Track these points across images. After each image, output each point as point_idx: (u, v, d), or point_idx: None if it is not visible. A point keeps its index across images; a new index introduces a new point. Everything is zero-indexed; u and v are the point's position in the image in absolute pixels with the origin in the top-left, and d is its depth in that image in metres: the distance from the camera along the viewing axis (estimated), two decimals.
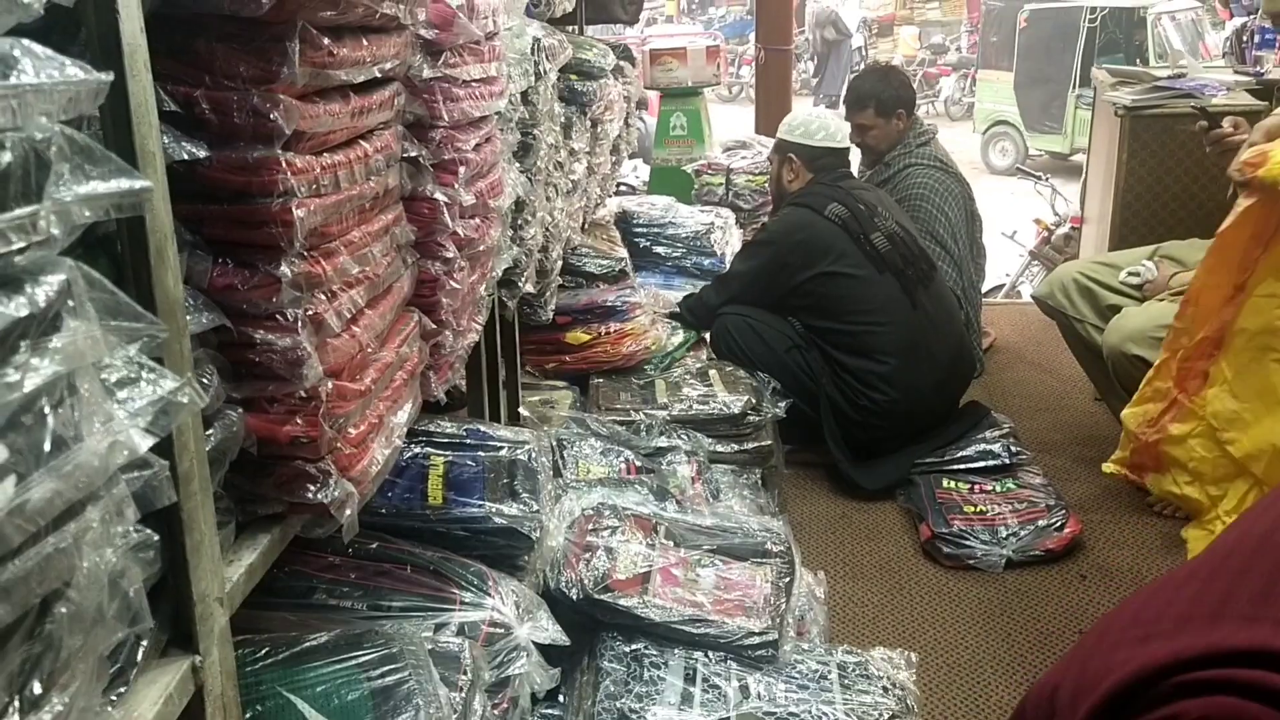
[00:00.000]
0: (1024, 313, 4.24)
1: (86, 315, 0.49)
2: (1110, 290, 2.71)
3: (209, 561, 0.81)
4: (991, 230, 4.51)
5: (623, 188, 4.82)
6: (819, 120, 3.25)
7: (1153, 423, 1.91)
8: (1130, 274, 2.67)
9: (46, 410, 0.46)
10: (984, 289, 4.45)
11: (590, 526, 2.07)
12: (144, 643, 0.68)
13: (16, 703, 0.48)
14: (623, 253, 3.41)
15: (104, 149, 0.51)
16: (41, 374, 0.45)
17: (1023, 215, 6.55)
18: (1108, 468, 2.21)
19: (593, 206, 3.38)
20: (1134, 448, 2.05)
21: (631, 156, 4.80)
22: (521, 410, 2.62)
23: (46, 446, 0.46)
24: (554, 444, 2.47)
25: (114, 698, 0.61)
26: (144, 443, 0.53)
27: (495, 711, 1.47)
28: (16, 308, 0.45)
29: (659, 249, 3.93)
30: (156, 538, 0.62)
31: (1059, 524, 2.57)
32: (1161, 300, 2.49)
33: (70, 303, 0.48)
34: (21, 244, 0.44)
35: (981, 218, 3.79)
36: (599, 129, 3.01)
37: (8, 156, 0.44)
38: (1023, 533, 2.56)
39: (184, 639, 0.79)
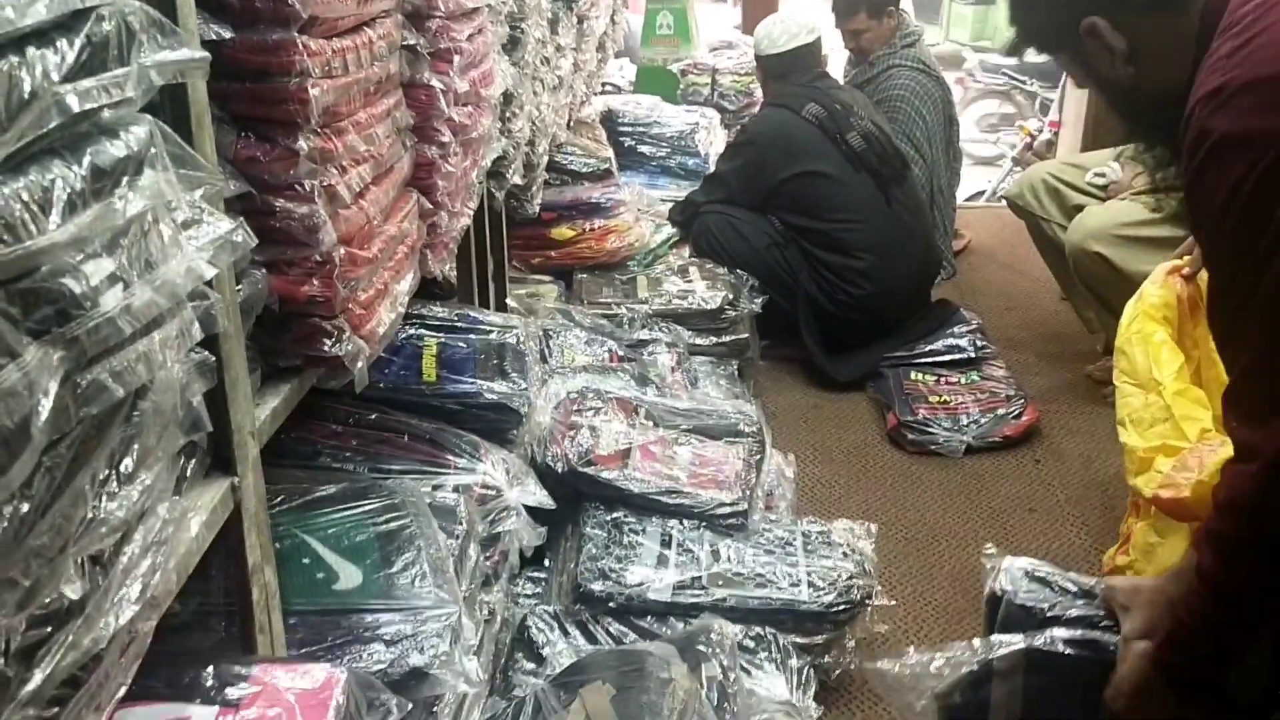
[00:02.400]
0: (998, 215, 4.34)
1: (163, 163, 0.59)
2: (1077, 191, 2.81)
3: (243, 399, 0.92)
4: (974, 137, 4.60)
5: (608, 87, 4.84)
6: (781, 25, 3.33)
7: (1112, 556, 1.97)
8: (1096, 175, 2.77)
9: (140, 236, 0.57)
10: (967, 194, 4.55)
11: (575, 407, 2.20)
12: (195, 460, 0.80)
13: (116, 474, 0.59)
14: (608, 152, 3.48)
15: (171, 22, 0.60)
16: (135, 205, 0.56)
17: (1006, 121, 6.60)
18: None
19: (578, 104, 3.44)
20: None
21: (618, 55, 4.83)
22: (509, 302, 2.73)
23: (141, 264, 0.57)
24: (540, 333, 2.59)
25: (177, 497, 0.73)
26: (209, 271, 0.64)
27: (488, 564, 1.61)
28: (118, 149, 0.55)
29: (644, 148, 3.99)
30: (213, 359, 0.73)
31: (1017, 412, 2.73)
32: (1124, 199, 2.60)
33: (151, 151, 0.58)
34: (117, 99, 0.54)
35: (959, 122, 3.87)
36: (585, 25, 3.07)
37: (108, 25, 0.54)
38: (983, 420, 2.72)
39: (224, 464, 0.91)
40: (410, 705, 1.07)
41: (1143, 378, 1.78)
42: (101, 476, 0.57)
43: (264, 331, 1.05)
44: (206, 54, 0.64)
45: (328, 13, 1.00)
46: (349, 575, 1.26)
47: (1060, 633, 1.21)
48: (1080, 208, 2.72)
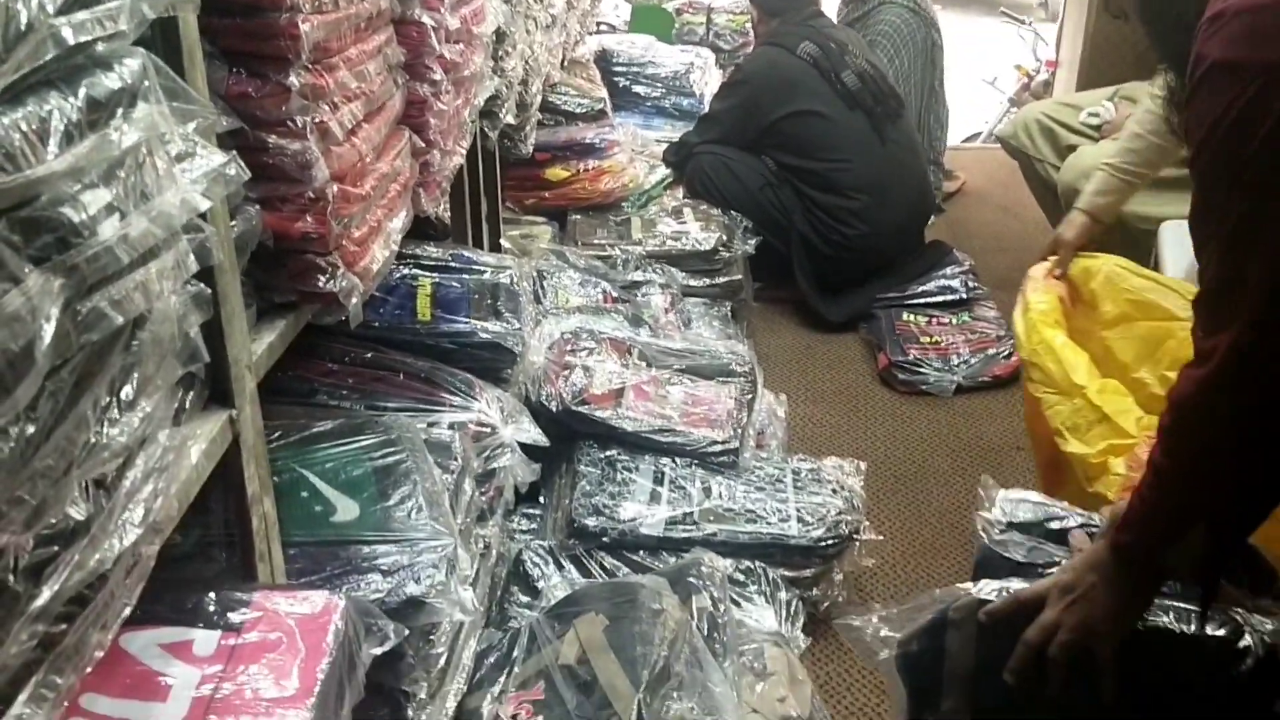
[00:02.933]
0: (994, 157, 4.32)
1: (156, 96, 0.60)
2: (1070, 130, 2.80)
3: (239, 333, 0.94)
4: (973, 77, 4.57)
5: (603, 26, 4.79)
6: None
7: None
8: (1090, 114, 2.76)
9: (135, 167, 0.58)
10: (962, 136, 4.53)
11: (569, 347, 2.22)
12: (193, 392, 0.82)
13: (116, 400, 0.61)
14: (602, 92, 3.46)
15: None
16: (130, 137, 0.57)
17: (1004, 62, 6.54)
18: None
19: (572, 43, 3.42)
20: None
21: None
22: (503, 243, 2.73)
23: (137, 195, 0.58)
24: (534, 274, 2.60)
25: (177, 427, 0.75)
26: (203, 203, 0.65)
27: (483, 499, 1.64)
28: (112, 81, 0.56)
29: (638, 89, 3.97)
30: (209, 291, 0.75)
31: (1007, 353, 2.75)
32: (1117, 140, 2.59)
33: (145, 84, 0.59)
34: (110, 31, 0.55)
35: (943, 66, 3.83)
36: None
37: None
38: (973, 360, 2.74)
39: (222, 396, 0.93)
40: (407, 632, 1.11)
41: (1061, 385, 1.80)
42: (103, 403, 0.59)
43: (259, 268, 1.06)
44: None
45: None
46: (346, 508, 1.29)
47: (1016, 584, 1.24)
48: (1073, 148, 2.72)
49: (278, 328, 1.08)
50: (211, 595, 0.91)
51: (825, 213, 3.06)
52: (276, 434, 1.37)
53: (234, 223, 0.95)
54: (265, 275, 1.07)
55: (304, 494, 1.30)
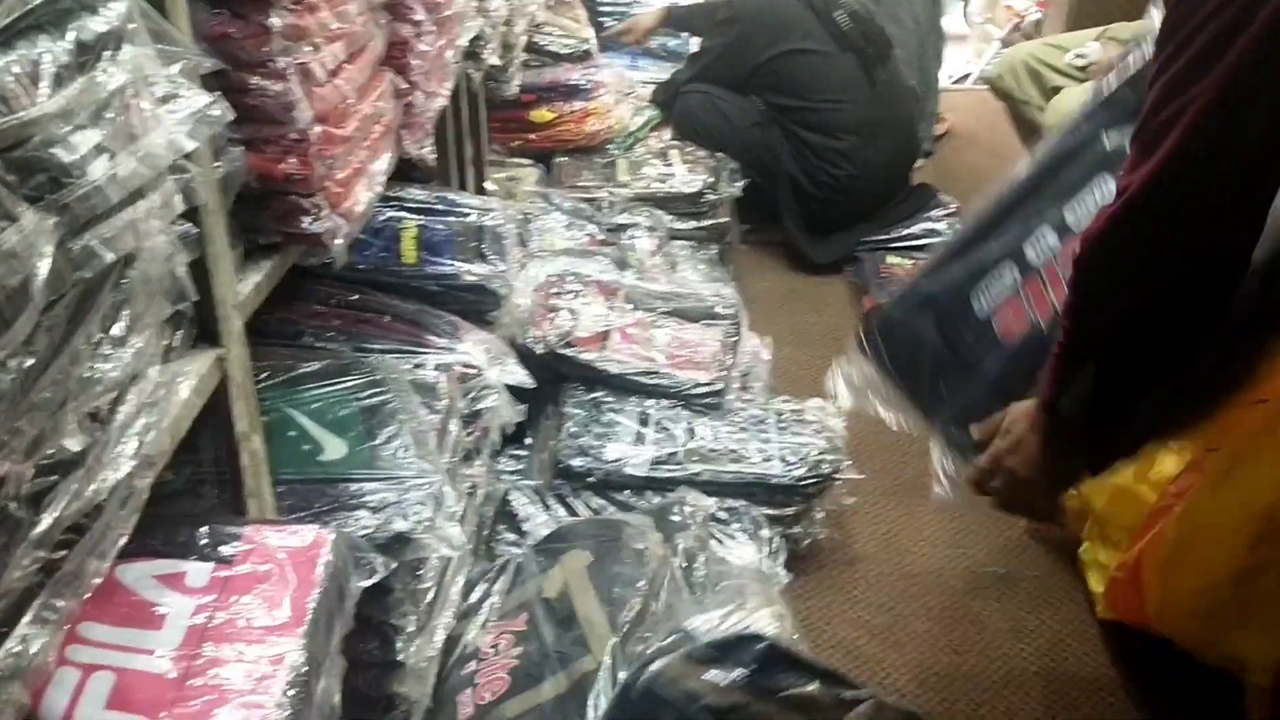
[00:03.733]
0: (981, 99, 4.30)
1: (142, 38, 0.61)
2: (1057, 72, 2.80)
3: (225, 273, 0.96)
4: (962, 15, 4.54)
5: None
6: None
7: None
8: (1077, 55, 2.76)
9: (122, 108, 0.59)
10: (953, 77, 4.52)
11: (554, 290, 2.24)
12: (182, 330, 0.83)
13: (108, 336, 0.63)
14: (588, 32, 3.42)
15: None
16: (117, 79, 0.58)
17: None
18: None
19: None
20: None
21: None
22: (488, 185, 2.73)
23: (125, 136, 0.59)
24: (520, 217, 2.60)
25: (167, 364, 0.77)
26: (189, 144, 0.66)
27: (470, 439, 1.67)
28: (99, 24, 0.58)
29: None
30: (196, 230, 0.76)
31: None
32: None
33: (130, 26, 0.60)
34: None
35: (942, 3, 3.82)
36: None
37: None
38: None
39: (210, 336, 0.95)
40: (395, 565, 1.14)
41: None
42: (95, 338, 0.61)
43: (244, 209, 1.07)
44: None
45: None
46: (334, 447, 1.32)
47: None
48: (1059, 89, 2.72)
49: (264, 268, 1.09)
50: (204, 529, 0.94)
51: (813, 153, 3.06)
52: (264, 374, 1.39)
53: (218, 164, 0.96)
54: (250, 216, 1.08)
55: (292, 433, 1.32)
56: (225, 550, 0.92)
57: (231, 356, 0.96)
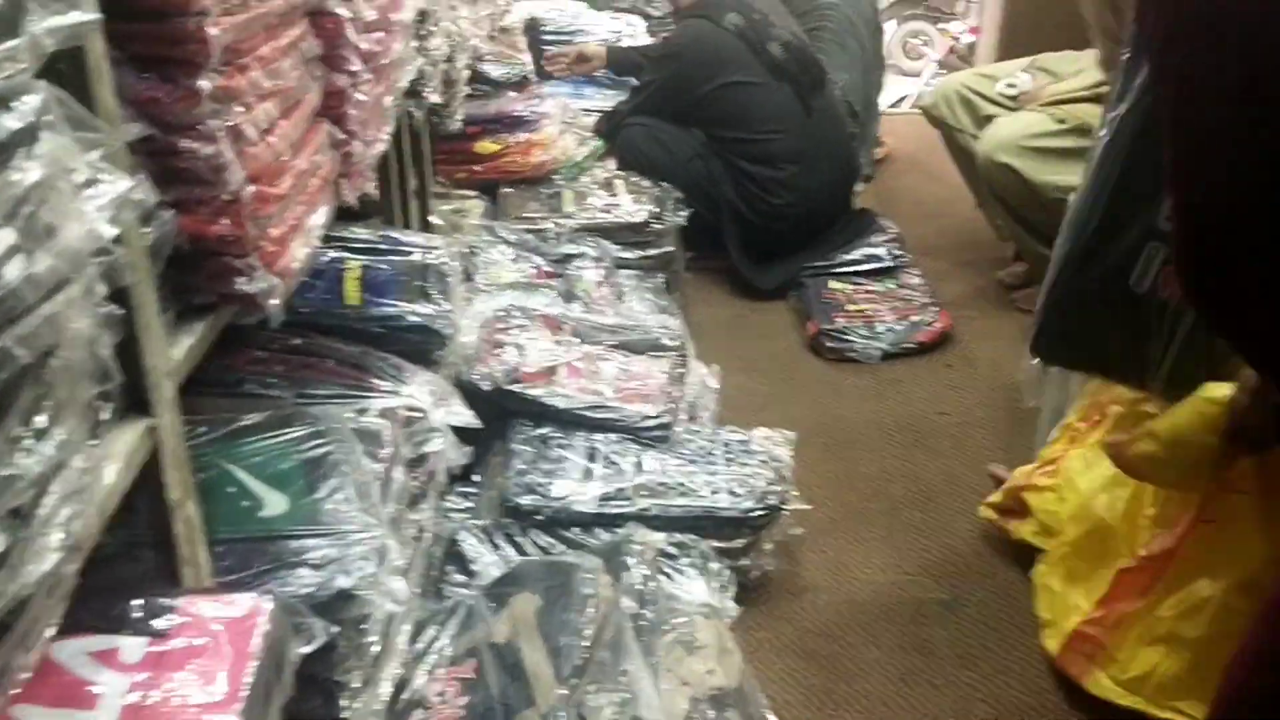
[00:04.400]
0: (919, 123, 4.37)
1: (60, 128, 0.61)
2: (988, 101, 2.86)
3: (156, 340, 0.94)
4: (900, 39, 4.62)
5: None
6: None
7: (1029, 474, 1.97)
8: (1007, 85, 2.82)
9: (40, 203, 0.59)
10: (891, 100, 4.59)
11: (500, 326, 2.23)
12: (110, 404, 0.82)
13: (31, 430, 0.62)
14: (525, 57, 3.43)
15: None
16: (34, 174, 0.57)
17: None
18: (982, 512, 2.08)
19: (500, 13, 3.38)
20: (1008, 490, 2.03)
21: None
22: (433, 219, 2.72)
23: (42, 231, 0.58)
24: (465, 250, 2.60)
25: (93, 444, 0.76)
26: (110, 232, 0.66)
27: (416, 484, 1.66)
28: (13, 121, 0.57)
29: None
30: (121, 311, 0.75)
31: (930, 320, 2.83)
32: (1032, 111, 2.66)
33: (48, 117, 0.60)
34: (9, 73, 0.56)
35: (884, 29, 3.88)
36: None
37: None
38: (898, 327, 2.81)
39: (141, 405, 0.93)
40: (337, 628, 1.13)
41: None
42: (14, 435, 0.60)
43: (177, 270, 1.05)
44: (98, 15, 0.65)
45: None
46: (274, 502, 1.30)
47: None
48: (991, 118, 2.78)
49: (197, 330, 1.08)
50: (137, 602, 0.92)
51: (754, 183, 3.09)
52: (202, 429, 1.37)
53: (147, 229, 0.95)
54: (183, 277, 1.07)
55: (231, 489, 1.30)
56: (159, 624, 0.90)
57: (163, 425, 0.95)
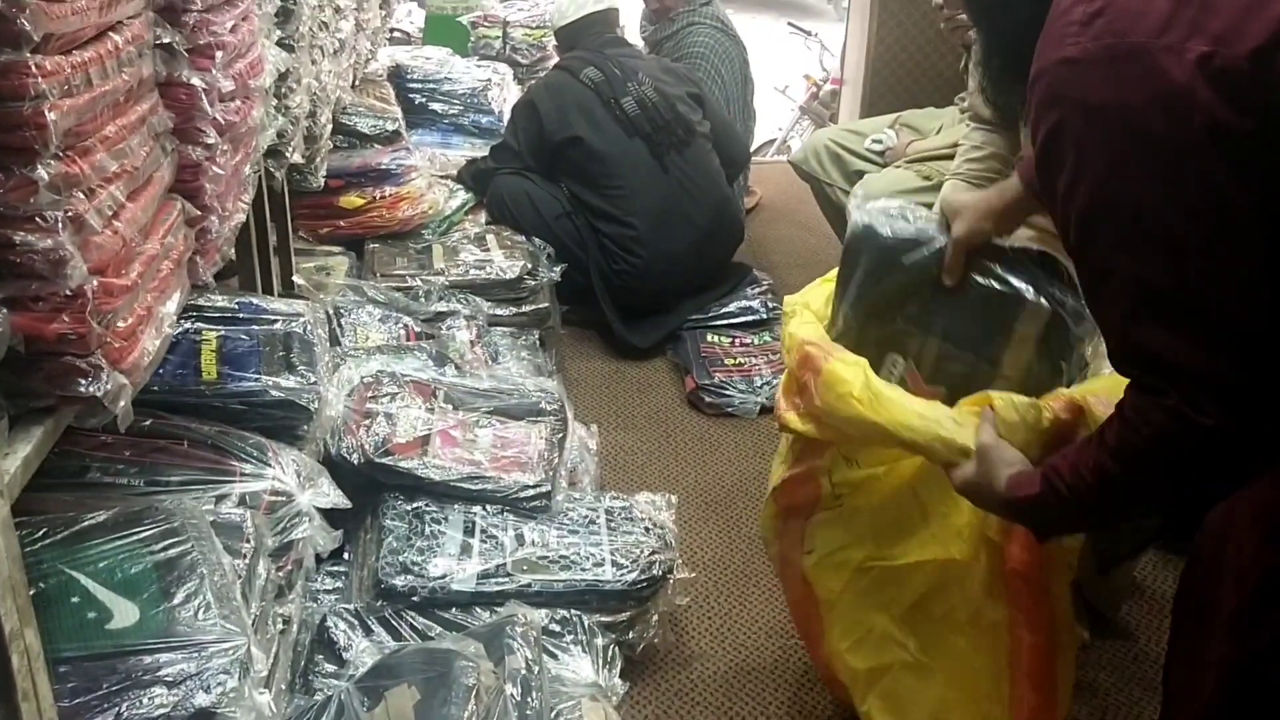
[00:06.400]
0: (788, 172, 4.46)
1: None
2: (857, 156, 2.92)
3: None
4: (764, 85, 4.71)
5: (396, 33, 4.65)
6: (563, 1, 3.43)
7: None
8: (874, 141, 2.89)
9: None
10: (755, 145, 4.66)
11: (370, 394, 2.14)
12: None
13: None
14: (396, 111, 3.36)
15: None
16: None
17: (793, 70, 6.77)
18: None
19: (363, 62, 3.30)
20: None
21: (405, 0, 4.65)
22: (296, 278, 2.61)
23: None
24: (331, 312, 2.49)
25: None
26: None
27: (280, 574, 1.56)
28: None
29: (435, 105, 3.88)
30: None
31: None
32: (899, 167, 2.73)
33: None
34: None
35: (754, 81, 3.95)
36: None
37: None
38: (774, 381, 2.82)
39: None
40: None
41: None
42: None
43: (10, 372, 0.96)
44: None
45: (64, 28, 0.91)
46: (124, 612, 1.19)
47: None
48: (861, 173, 2.83)
49: (34, 437, 0.98)
50: None
51: (611, 241, 3.07)
52: (42, 531, 1.26)
53: None
54: (18, 380, 0.97)
55: (75, 599, 1.19)
56: None
57: None
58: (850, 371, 1.44)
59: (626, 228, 3.05)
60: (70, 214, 0.94)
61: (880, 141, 2.88)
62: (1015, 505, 1.22)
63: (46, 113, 0.89)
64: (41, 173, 0.90)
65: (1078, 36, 0.99)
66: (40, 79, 0.88)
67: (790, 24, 6.63)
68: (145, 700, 1.10)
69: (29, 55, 0.87)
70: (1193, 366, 0.96)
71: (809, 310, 1.69)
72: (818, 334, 1.58)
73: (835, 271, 1.67)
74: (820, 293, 1.73)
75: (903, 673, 1.60)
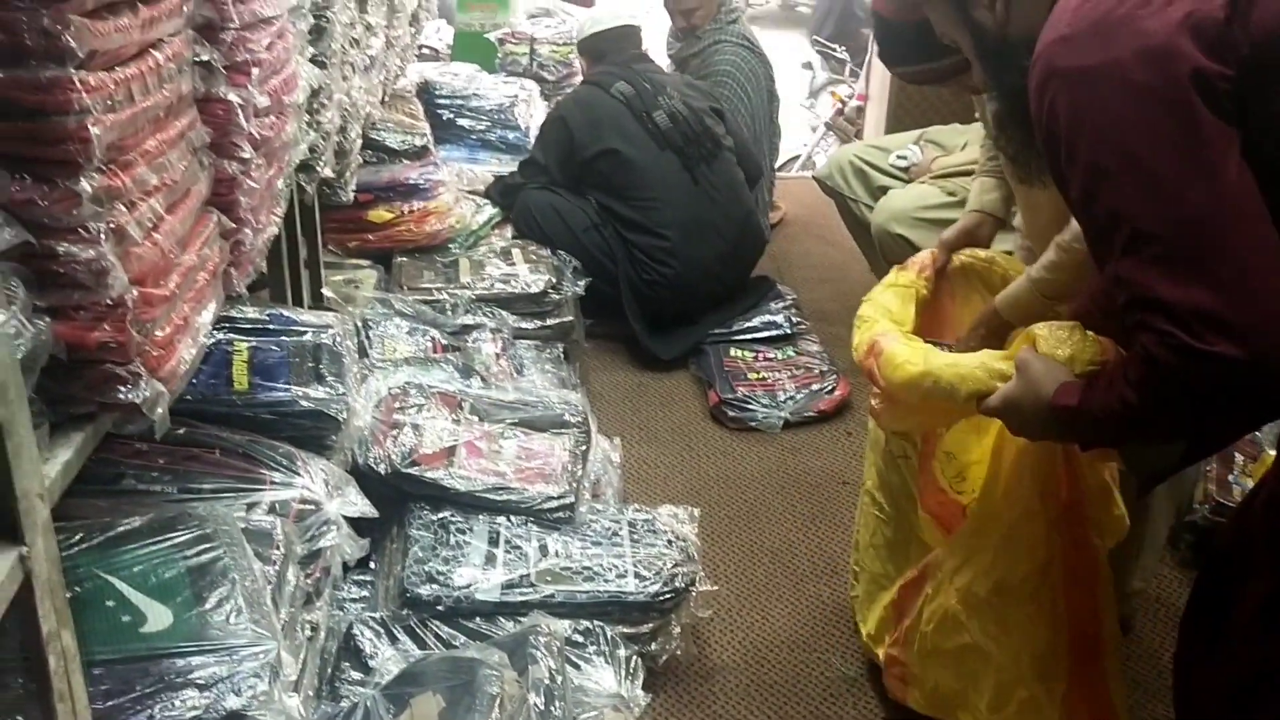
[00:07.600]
0: (813, 187, 4.47)
1: None
2: (881, 172, 2.94)
3: (28, 462, 0.87)
4: (789, 101, 4.73)
5: (425, 50, 4.70)
6: (589, 15, 3.50)
7: None
8: (899, 157, 2.90)
9: None
10: (780, 160, 4.68)
11: (397, 405, 2.17)
12: None
13: None
14: (425, 127, 3.39)
15: None
16: None
17: (819, 86, 6.78)
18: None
19: (393, 79, 3.35)
20: None
21: (434, 17, 4.70)
22: (325, 291, 2.64)
23: None
24: (359, 325, 2.52)
25: None
26: None
27: (309, 581, 1.58)
28: None
29: (463, 121, 3.92)
30: None
31: (830, 388, 2.85)
32: (923, 183, 2.74)
33: None
34: None
35: (780, 97, 3.97)
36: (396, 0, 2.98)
37: None
38: (799, 396, 2.83)
39: (10, 532, 0.86)
40: None
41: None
42: None
43: (52, 379, 0.99)
44: None
45: (108, 45, 0.94)
46: (158, 616, 1.22)
47: None
48: (885, 189, 2.84)
49: (74, 443, 1.01)
50: None
51: (642, 252, 3.10)
52: (78, 536, 1.29)
53: (20, 340, 0.88)
54: (59, 387, 1.00)
55: (110, 603, 1.22)
56: None
57: (35, 553, 0.87)
58: (906, 348, 1.54)
59: (659, 238, 3.08)
60: (112, 226, 0.97)
61: (905, 157, 2.89)
62: (1057, 411, 1.24)
63: (90, 127, 0.92)
64: (85, 185, 0.93)
65: (1070, 21, 1.09)
66: (84, 94, 0.91)
67: (816, 40, 6.65)
68: (177, 703, 1.12)
69: (73, 71, 0.90)
70: (1193, 302, 1.00)
71: (889, 316, 1.74)
72: (883, 328, 1.66)
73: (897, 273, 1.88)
74: (892, 296, 1.82)
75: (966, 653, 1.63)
